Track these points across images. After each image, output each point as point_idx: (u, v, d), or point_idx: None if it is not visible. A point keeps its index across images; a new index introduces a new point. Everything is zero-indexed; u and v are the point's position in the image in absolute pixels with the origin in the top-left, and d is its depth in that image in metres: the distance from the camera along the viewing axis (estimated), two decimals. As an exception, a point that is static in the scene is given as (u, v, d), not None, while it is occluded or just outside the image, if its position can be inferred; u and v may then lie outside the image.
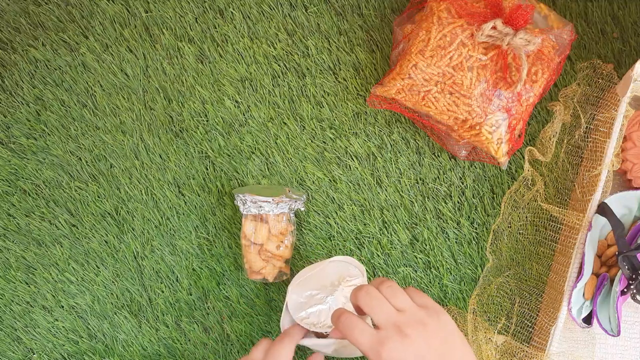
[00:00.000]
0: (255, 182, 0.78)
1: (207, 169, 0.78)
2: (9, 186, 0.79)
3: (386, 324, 0.48)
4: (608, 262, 0.69)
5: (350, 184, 0.77)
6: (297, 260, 0.78)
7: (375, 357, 0.46)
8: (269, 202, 0.71)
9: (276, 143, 0.78)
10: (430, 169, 0.76)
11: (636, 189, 0.71)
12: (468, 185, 0.76)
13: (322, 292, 0.66)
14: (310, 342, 0.60)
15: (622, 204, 0.67)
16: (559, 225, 0.75)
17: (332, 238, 0.77)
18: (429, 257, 0.77)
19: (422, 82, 0.66)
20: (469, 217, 0.76)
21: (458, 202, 0.76)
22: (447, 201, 0.76)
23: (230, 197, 0.78)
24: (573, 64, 0.75)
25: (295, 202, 0.73)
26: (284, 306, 0.66)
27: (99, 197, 0.79)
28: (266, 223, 0.72)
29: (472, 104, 0.66)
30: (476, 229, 0.76)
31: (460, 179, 0.76)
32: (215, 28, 0.78)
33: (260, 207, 0.71)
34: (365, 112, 0.77)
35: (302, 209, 0.75)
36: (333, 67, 0.77)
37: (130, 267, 0.79)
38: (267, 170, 0.78)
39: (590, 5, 0.75)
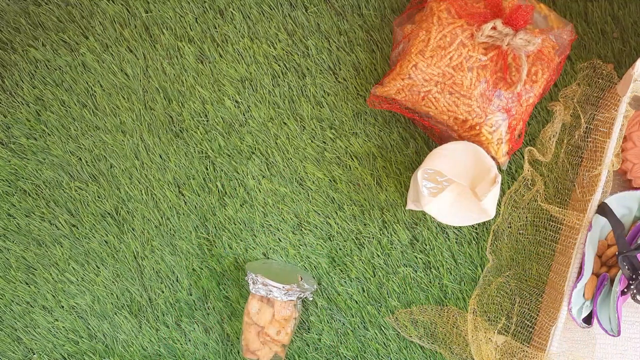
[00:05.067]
0: (256, 182, 0.78)
1: (207, 169, 0.78)
2: (9, 186, 0.79)
3: None
4: (608, 262, 0.69)
5: (350, 184, 0.77)
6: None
7: None
8: (279, 288, 0.70)
9: (276, 143, 0.78)
10: (430, 169, 0.76)
11: (636, 189, 0.71)
12: (468, 185, 0.76)
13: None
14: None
15: (622, 204, 0.67)
16: (559, 225, 0.75)
17: (332, 238, 0.77)
18: (429, 257, 0.77)
19: (422, 82, 0.66)
20: (469, 217, 0.76)
21: (458, 202, 0.76)
22: (447, 201, 0.76)
23: (230, 197, 0.78)
24: (573, 64, 0.75)
25: (305, 292, 0.73)
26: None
27: (99, 197, 0.79)
28: (272, 307, 0.72)
29: (472, 104, 0.66)
30: (476, 229, 0.76)
31: (460, 179, 0.76)
32: (215, 28, 0.78)
33: (270, 291, 0.71)
34: (365, 112, 0.77)
35: (311, 299, 0.75)
36: (333, 67, 0.77)
37: (130, 267, 0.79)
38: (267, 170, 0.78)
39: (590, 5, 0.75)
